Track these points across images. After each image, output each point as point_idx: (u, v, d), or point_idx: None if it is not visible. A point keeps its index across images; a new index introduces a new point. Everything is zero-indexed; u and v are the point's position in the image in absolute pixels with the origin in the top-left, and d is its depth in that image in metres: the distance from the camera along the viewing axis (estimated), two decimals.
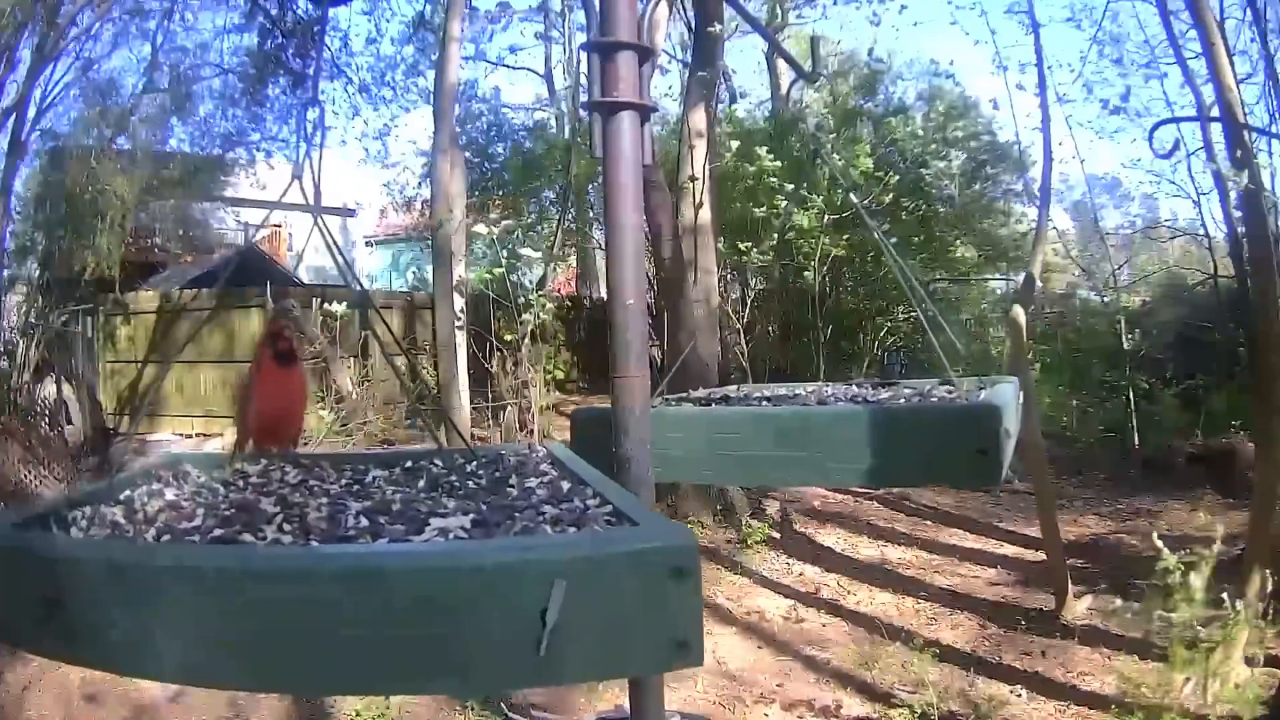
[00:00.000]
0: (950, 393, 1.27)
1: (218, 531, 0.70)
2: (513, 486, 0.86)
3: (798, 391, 1.45)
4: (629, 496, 0.74)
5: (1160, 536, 3.08)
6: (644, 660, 0.57)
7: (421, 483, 0.90)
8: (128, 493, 0.84)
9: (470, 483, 0.90)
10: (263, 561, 0.57)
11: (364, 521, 0.71)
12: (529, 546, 0.59)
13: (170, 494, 0.86)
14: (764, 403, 1.33)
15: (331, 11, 8.46)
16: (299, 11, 8.09)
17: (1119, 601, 3.72)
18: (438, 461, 0.99)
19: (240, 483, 0.93)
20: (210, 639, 0.55)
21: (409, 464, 1.00)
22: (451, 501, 0.78)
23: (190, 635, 0.56)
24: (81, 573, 0.61)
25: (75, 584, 0.59)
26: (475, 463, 1.00)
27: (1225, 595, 3.10)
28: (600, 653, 0.55)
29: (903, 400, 1.22)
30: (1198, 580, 3.01)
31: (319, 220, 0.80)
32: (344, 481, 0.93)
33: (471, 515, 0.70)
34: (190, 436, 7.88)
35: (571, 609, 0.53)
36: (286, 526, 0.71)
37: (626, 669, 0.59)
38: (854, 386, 1.48)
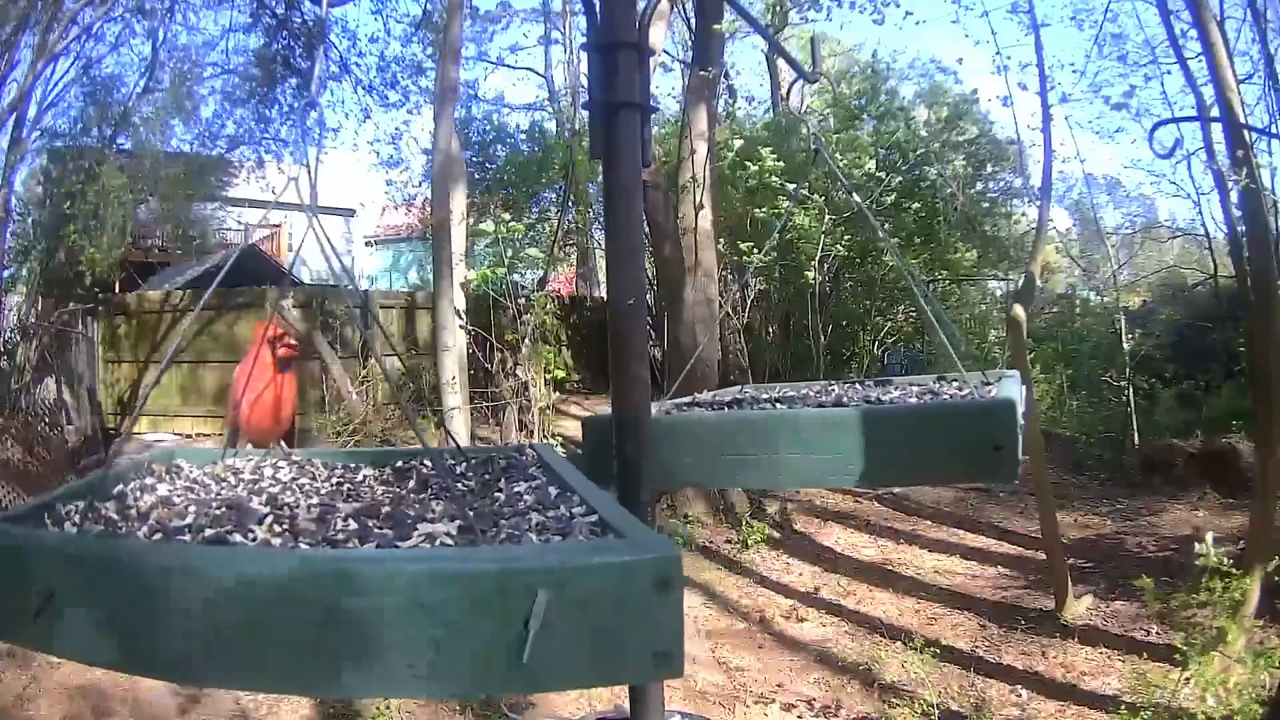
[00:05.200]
0: (960, 389, 1.27)
1: (209, 531, 0.70)
2: (500, 491, 0.86)
3: (804, 392, 1.43)
4: (615, 506, 0.74)
5: (1161, 536, 3.08)
6: (625, 671, 0.58)
7: (411, 484, 0.91)
8: (120, 488, 0.84)
9: (459, 485, 0.90)
10: (252, 563, 0.58)
11: (352, 525, 0.71)
12: (514, 556, 0.59)
13: (163, 490, 0.86)
14: (775, 405, 1.32)
15: (336, 11, 8.45)
16: (304, 12, 8.08)
17: (1122, 602, 3.72)
18: (427, 462, 0.99)
19: (231, 479, 0.93)
20: (199, 637, 0.56)
21: (399, 464, 1.01)
22: (439, 505, 0.77)
23: (180, 633, 0.56)
24: (73, 568, 0.61)
25: (66, 579, 0.60)
26: (465, 464, 0.99)
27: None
28: (582, 663, 0.55)
29: (914, 399, 1.21)
30: (1218, 582, 3.01)
31: (315, 220, 0.79)
32: (334, 481, 0.93)
33: (458, 521, 0.70)
34: (190, 436, 7.88)
35: (554, 619, 0.53)
36: (276, 528, 0.71)
37: (607, 679, 0.60)
38: (859, 386, 1.48)
